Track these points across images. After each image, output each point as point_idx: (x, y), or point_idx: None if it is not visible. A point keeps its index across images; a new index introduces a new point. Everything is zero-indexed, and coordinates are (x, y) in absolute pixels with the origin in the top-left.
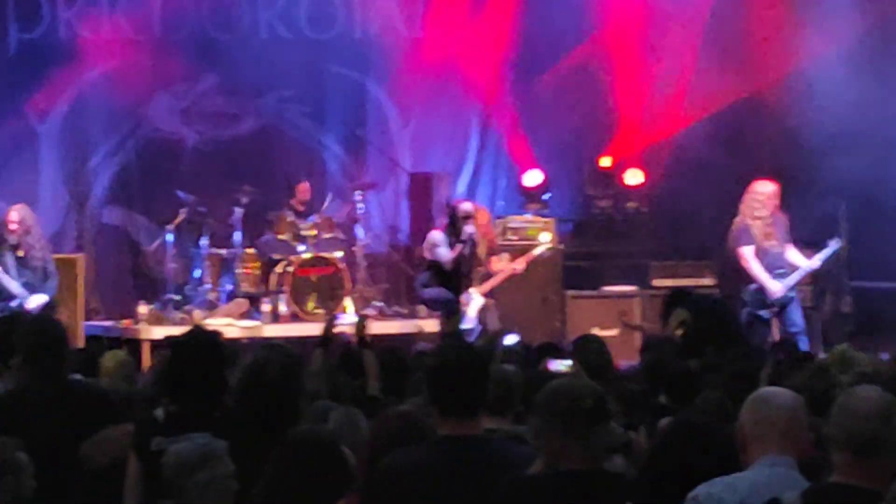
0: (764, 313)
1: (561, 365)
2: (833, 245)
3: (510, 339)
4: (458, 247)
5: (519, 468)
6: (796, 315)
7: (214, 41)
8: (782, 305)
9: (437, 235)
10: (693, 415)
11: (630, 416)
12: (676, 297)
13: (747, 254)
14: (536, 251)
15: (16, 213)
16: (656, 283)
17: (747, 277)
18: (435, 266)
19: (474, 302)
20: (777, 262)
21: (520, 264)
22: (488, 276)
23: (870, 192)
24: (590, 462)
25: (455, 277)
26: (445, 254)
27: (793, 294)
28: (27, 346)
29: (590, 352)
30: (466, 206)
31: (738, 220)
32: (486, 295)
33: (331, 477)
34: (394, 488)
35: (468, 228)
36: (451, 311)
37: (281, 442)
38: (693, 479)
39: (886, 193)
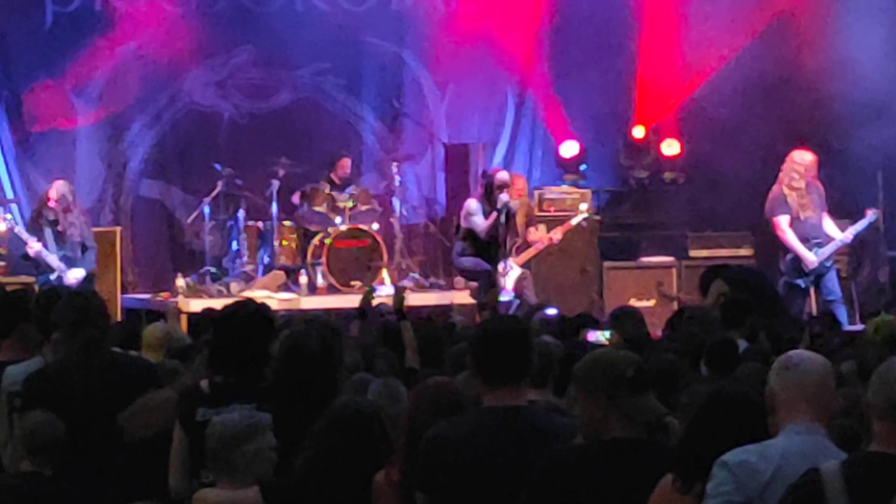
0: (801, 282)
1: (600, 336)
2: (870, 216)
3: (550, 312)
4: (494, 215)
5: (562, 439)
6: (833, 284)
7: (250, 13)
8: (819, 275)
9: (472, 204)
10: (731, 384)
11: (668, 386)
12: (714, 272)
13: (782, 223)
14: (574, 220)
15: (55, 190)
16: (693, 253)
17: (784, 247)
18: (471, 235)
19: (512, 272)
20: (813, 232)
21: (556, 234)
22: (526, 246)
23: None
24: (632, 431)
25: (491, 246)
26: (481, 222)
27: (829, 263)
28: (67, 319)
29: (628, 323)
30: (502, 175)
31: (775, 188)
32: (523, 265)
33: (372, 448)
34: (442, 458)
35: (503, 197)
36: (489, 284)
37: (323, 414)
38: (731, 448)
39: None
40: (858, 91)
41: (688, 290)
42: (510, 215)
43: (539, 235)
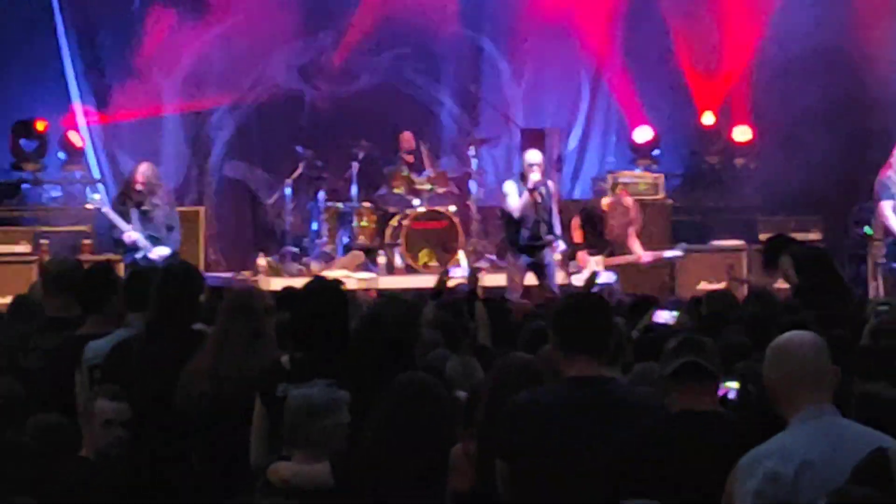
0: None
1: (668, 316)
2: None
3: (607, 277)
4: (526, 194)
5: (642, 407)
6: None
7: None
8: None
9: (507, 185)
10: None
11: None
12: (780, 244)
13: (885, 208)
14: (667, 255)
15: (141, 172)
16: (763, 237)
17: (886, 231)
18: (507, 216)
19: (593, 266)
20: None
21: (648, 258)
22: (622, 252)
23: None
24: (707, 405)
25: (525, 226)
26: (513, 203)
27: None
28: (159, 293)
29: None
30: (530, 155)
31: (882, 172)
32: (610, 268)
33: (436, 418)
34: (524, 426)
35: (533, 176)
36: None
37: (388, 388)
38: None
39: None
40: None
41: (758, 273)
42: (543, 193)
43: (638, 250)
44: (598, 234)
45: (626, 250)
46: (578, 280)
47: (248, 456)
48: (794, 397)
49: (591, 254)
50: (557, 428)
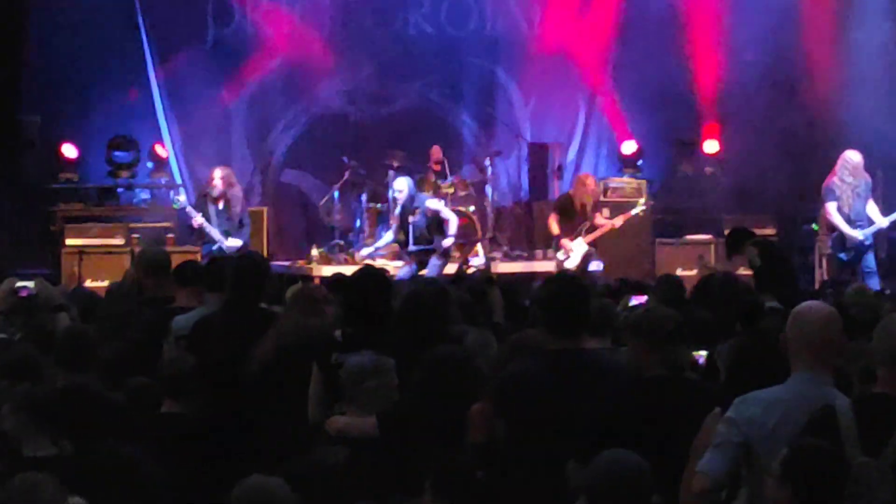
0: (843, 255)
1: (641, 299)
2: None
3: (595, 266)
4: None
5: (613, 374)
6: (871, 259)
7: (373, 35)
8: (859, 251)
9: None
10: (757, 337)
11: (701, 339)
12: (744, 234)
13: (831, 209)
14: (633, 211)
15: (219, 174)
16: (728, 232)
17: (831, 227)
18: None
19: (578, 248)
20: (859, 216)
21: (618, 221)
22: (593, 228)
23: None
24: (666, 371)
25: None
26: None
27: (868, 242)
28: (235, 277)
29: (667, 287)
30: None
31: (828, 180)
32: (590, 244)
33: (464, 385)
34: (516, 390)
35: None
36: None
37: (423, 358)
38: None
39: None
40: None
41: (723, 262)
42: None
43: (604, 220)
44: (570, 218)
45: (596, 226)
46: (571, 264)
47: (306, 414)
48: (799, 358)
49: (571, 239)
50: (541, 392)
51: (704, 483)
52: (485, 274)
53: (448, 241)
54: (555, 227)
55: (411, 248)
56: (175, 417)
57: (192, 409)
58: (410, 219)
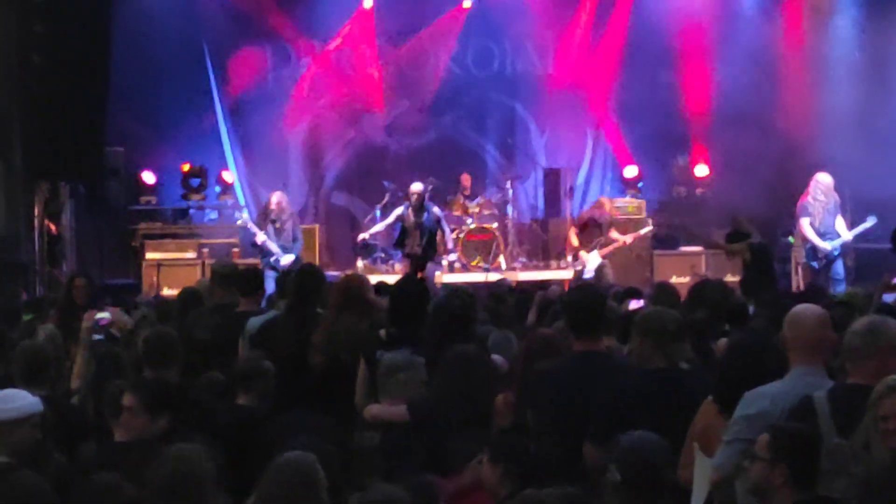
0: (815, 264)
1: (638, 304)
2: (868, 221)
3: (607, 275)
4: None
5: (623, 370)
6: (839, 267)
7: (409, 77)
8: (829, 260)
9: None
10: (749, 334)
11: (695, 338)
12: (741, 235)
13: (804, 224)
14: (642, 231)
15: (276, 198)
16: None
17: (805, 238)
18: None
19: (593, 259)
20: (829, 230)
21: (629, 239)
22: (608, 242)
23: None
24: (670, 364)
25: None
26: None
27: (837, 252)
28: (296, 285)
29: (664, 293)
30: (413, 186)
31: (802, 198)
32: (604, 256)
33: (478, 377)
34: (544, 386)
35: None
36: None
37: (446, 356)
38: (757, 379)
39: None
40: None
41: (713, 271)
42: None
43: (618, 236)
44: (588, 233)
45: (610, 240)
46: (588, 274)
47: (353, 401)
48: (797, 355)
49: (588, 251)
50: (565, 386)
51: (718, 477)
52: (505, 282)
53: (450, 243)
54: (574, 240)
55: (408, 251)
56: (246, 410)
57: (261, 402)
58: (423, 217)
